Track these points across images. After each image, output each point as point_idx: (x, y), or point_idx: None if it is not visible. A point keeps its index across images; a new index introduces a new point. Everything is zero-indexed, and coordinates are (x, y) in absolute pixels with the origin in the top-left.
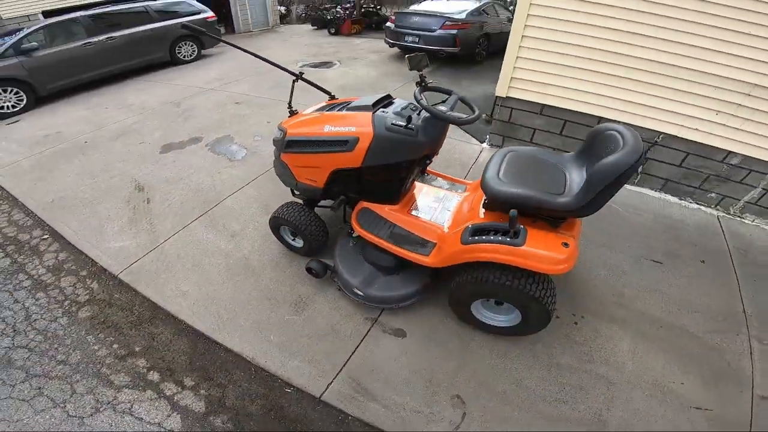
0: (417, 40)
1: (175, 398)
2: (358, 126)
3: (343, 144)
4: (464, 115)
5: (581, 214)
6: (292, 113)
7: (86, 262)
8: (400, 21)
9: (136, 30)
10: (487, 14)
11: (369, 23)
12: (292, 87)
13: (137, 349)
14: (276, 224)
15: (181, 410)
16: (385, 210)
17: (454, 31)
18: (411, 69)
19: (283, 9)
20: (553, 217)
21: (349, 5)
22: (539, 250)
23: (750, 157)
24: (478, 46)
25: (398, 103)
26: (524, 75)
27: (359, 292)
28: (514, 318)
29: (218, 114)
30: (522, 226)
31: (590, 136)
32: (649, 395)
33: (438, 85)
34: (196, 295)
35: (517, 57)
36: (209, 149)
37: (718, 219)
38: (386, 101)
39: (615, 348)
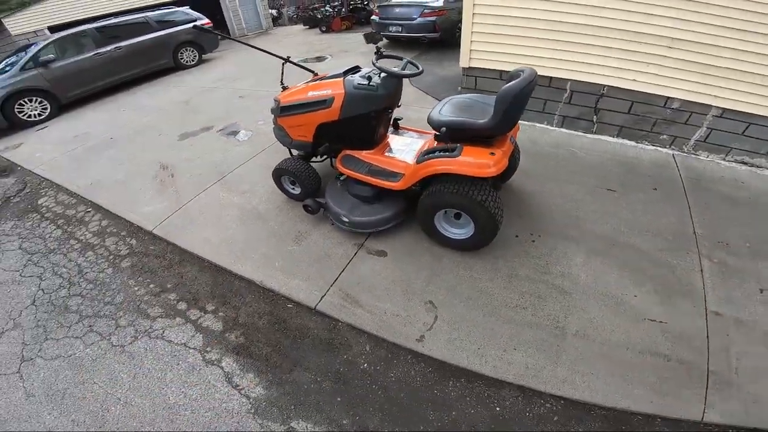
0: (400, 29)
1: (198, 321)
2: (333, 88)
3: (323, 103)
4: (409, 72)
5: (498, 131)
6: (284, 88)
7: (125, 224)
8: (384, 13)
9: (140, 39)
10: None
11: (358, 19)
12: (282, 68)
13: (169, 285)
14: (278, 174)
15: (202, 330)
16: (362, 154)
17: (433, 18)
18: (368, 43)
19: (274, 12)
20: (482, 137)
21: (337, 3)
22: (471, 158)
23: (687, 101)
24: (456, 31)
25: (363, 71)
26: (480, 47)
27: (346, 219)
28: (470, 230)
29: (224, 107)
30: (459, 144)
31: (508, 79)
32: (604, 306)
33: (390, 54)
34: (217, 240)
35: (472, 32)
36: (220, 134)
37: (673, 157)
38: (355, 70)
39: (570, 262)
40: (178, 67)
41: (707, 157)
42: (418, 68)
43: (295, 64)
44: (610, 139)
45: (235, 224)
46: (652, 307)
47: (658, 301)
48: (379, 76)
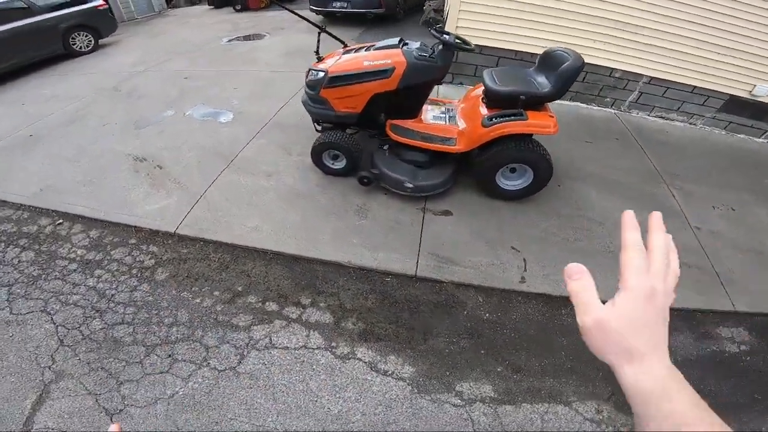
0: (346, 5)
1: (303, 318)
2: (393, 58)
3: (383, 73)
4: (468, 46)
5: (554, 99)
6: (320, 59)
7: (127, 230)
8: None
9: (17, 24)
10: None
11: None
12: (318, 38)
13: (239, 288)
14: (321, 150)
15: (314, 327)
16: (410, 123)
17: None
18: (429, 27)
19: None
20: (534, 104)
21: None
22: (539, 121)
23: (626, 71)
24: (398, 6)
25: (413, 43)
26: (466, 24)
27: (409, 185)
28: (527, 179)
29: (174, 89)
30: (522, 110)
31: (544, 56)
32: None
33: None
34: (268, 227)
35: (460, 10)
36: (190, 117)
37: (616, 115)
38: (403, 42)
39: (589, 197)
40: (71, 54)
41: (637, 114)
42: (470, 45)
43: (330, 34)
44: (568, 103)
45: (280, 207)
46: (672, 231)
47: (669, 226)
48: (432, 49)
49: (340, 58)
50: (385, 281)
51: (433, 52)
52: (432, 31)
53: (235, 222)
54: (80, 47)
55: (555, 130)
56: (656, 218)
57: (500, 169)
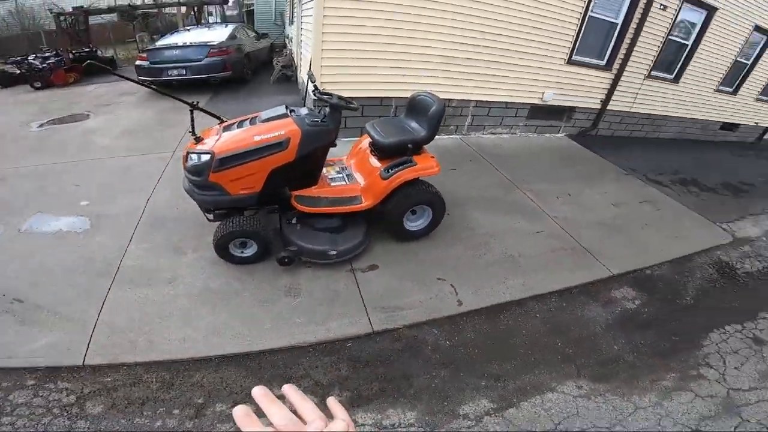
0: (185, 72)
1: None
2: (286, 128)
3: (279, 145)
4: (353, 104)
5: (430, 141)
6: (197, 139)
7: (16, 373)
8: (157, 57)
9: None
10: (240, 37)
11: (86, 69)
12: (191, 115)
13: (200, 401)
14: (227, 240)
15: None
16: (313, 191)
17: (222, 57)
18: (312, 82)
19: None
20: (415, 148)
21: (50, 54)
22: (426, 163)
23: (460, 99)
24: (245, 67)
25: (301, 110)
26: (330, 78)
27: (333, 252)
28: (427, 217)
29: None
30: (411, 157)
31: (410, 103)
32: (515, 234)
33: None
34: (197, 334)
35: (322, 66)
36: (30, 233)
37: (461, 139)
38: (290, 109)
39: (474, 217)
40: None
41: (474, 134)
42: (354, 104)
43: (203, 110)
44: None
45: (201, 311)
46: (532, 225)
47: (531, 221)
48: (321, 113)
49: (220, 136)
50: (347, 347)
51: (324, 116)
52: (317, 94)
53: (156, 338)
54: None
55: (438, 169)
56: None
57: (405, 213)
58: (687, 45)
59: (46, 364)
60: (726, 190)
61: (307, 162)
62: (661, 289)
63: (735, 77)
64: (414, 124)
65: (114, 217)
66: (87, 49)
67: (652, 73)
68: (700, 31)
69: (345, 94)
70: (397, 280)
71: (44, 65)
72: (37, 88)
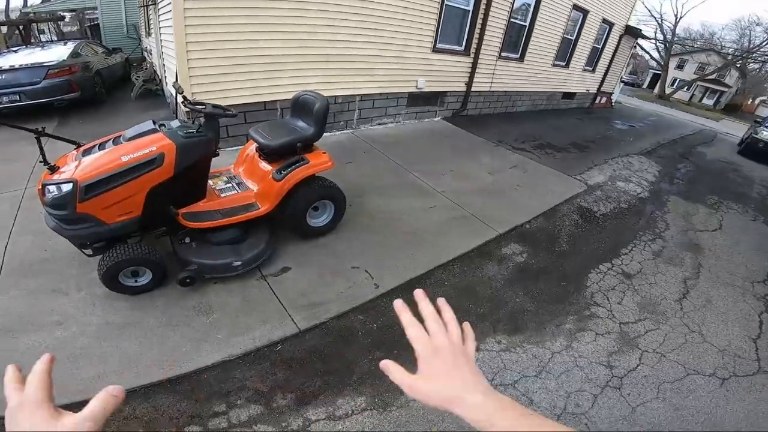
0: (18, 97)
1: (233, 420)
2: (158, 143)
3: (152, 162)
4: (230, 110)
5: (318, 138)
6: (53, 168)
7: None
8: None
9: None
10: (86, 54)
11: None
12: (39, 143)
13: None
14: (115, 272)
15: (253, 422)
16: (201, 206)
17: (66, 77)
18: (179, 92)
19: None
20: (305, 147)
21: None
22: (319, 160)
23: (344, 95)
24: (96, 85)
25: (173, 122)
26: (200, 89)
27: (237, 263)
28: (330, 212)
29: None
30: (302, 155)
31: (294, 103)
32: (412, 213)
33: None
34: (111, 368)
35: (190, 76)
36: None
37: (352, 133)
38: (159, 124)
39: (374, 203)
40: None
41: (364, 127)
42: (231, 110)
43: (51, 136)
44: None
45: (107, 348)
46: (425, 202)
47: (424, 199)
48: (194, 123)
49: (80, 162)
50: (277, 351)
51: (199, 126)
52: (188, 106)
53: (67, 381)
54: None
55: (332, 164)
56: (418, 294)
57: (306, 211)
58: (525, 26)
59: None
60: (574, 149)
61: (189, 176)
62: (540, 239)
63: (565, 52)
64: (301, 123)
65: None
66: None
67: (503, 54)
68: (533, 12)
69: (223, 103)
70: (313, 276)
71: None
72: None
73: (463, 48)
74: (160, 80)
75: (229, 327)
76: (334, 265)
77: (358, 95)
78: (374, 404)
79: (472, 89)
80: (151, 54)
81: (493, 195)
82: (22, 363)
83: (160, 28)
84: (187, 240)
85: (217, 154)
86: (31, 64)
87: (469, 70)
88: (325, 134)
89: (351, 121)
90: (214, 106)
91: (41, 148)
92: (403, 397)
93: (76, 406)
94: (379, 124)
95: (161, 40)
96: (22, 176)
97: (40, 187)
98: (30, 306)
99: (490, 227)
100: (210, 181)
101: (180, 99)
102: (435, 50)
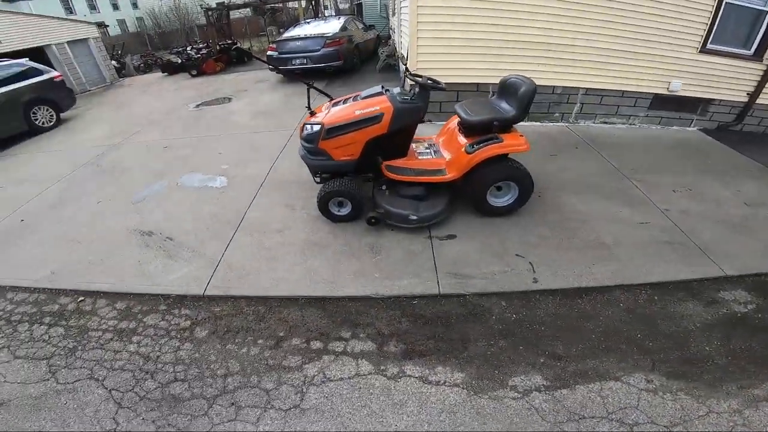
0: (305, 61)
1: (348, 350)
2: (381, 104)
3: (374, 119)
4: (441, 85)
5: (519, 120)
6: (312, 113)
7: (154, 299)
8: (283, 47)
9: None
10: (351, 29)
11: (230, 59)
12: (308, 93)
13: (281, 334)
14: (327, 199)
15: (360, 356)
16: (401, 162)
17: (336, 47)
18: (403, 63)
19: (115, 63)
20: (504, 128)
21: (202, 45)
22: (514, 141)
23: (565, 86)
24: (354, 57)
25: (394, 89)
26: (425, 65)
27: (414, 217)
28: (513, 194)
29: (157, 160)
30: (497, 134)
31: (501, 85)
32: (612, 222)
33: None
34: (293, 276)
35: (418, 53)
36: (183, 187)
37: (567, 127)
38: (385, 89)
39: (568, 201)
40: (34, 131)
41: (584, 123)
42: (442, 84)
43: (316, 89)
44: (525, 123)
45: (299, 258)
46: (635, 215)
47: (635, 212)
48: (414, 91)
49: (329, 110)
50: (413, 304)
51: (414, 94)
52: (408, 76)
53: (260, 277)
54: (42, 122)
55: (527, 147)
56: None
57: (489, 189)
58: None
59: (176, 293)
60: None
61: (398, 135)
62: None
63: None
64: (504, 105)
65: (245, 178)
66: (229, 41)
67: None
68: None
69: (442, 80)
70: (473, 251)
71: (198, 55)
72: (193, 75)
73: (752, 53)
74: (398, 57)
75: (386, 270)
76: (498, 246)
77: (582, 88)
78: (468, 385)
79: (758, 101)
80: (393, 32)
81: (738, 230)
82: (244, 256)
83: (401, 8)
84: (384, 187)
85: (423, 121)
86: (315, 34)
87: (758, 79)
88: (535, 124)
89: (568, 114)
90: (429, 78)
91: (309, 97)
92: (495, 392)
93: (261, 300)
94: (605, 122)
95: (401, 20)
96: (295, 120)
97: (302, 125)
98: (267, 212)
99: (715, 264)
100: (413, 144)
101: (403, 68)
102: (704, 51)
